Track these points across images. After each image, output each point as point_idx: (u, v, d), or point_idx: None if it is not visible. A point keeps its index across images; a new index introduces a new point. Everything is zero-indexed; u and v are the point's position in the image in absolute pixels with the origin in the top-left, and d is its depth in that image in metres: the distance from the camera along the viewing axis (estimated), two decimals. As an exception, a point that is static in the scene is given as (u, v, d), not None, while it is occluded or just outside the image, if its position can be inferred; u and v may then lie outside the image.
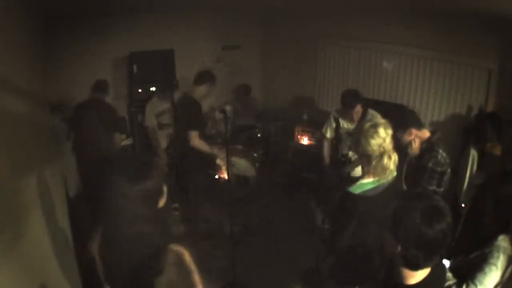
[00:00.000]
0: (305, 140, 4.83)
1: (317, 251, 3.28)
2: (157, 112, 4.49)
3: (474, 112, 3.71)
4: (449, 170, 2.59)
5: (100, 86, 4.02)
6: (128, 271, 1.42)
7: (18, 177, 1.83)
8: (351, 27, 4.66)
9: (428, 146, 2.60)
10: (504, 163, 2.97)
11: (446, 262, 1.87)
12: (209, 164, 3.62)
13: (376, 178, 2.08)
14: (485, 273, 1.67)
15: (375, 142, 2.05)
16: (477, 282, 1.67)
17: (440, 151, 2.54)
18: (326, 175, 3.94)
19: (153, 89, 4.78)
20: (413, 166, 2.67)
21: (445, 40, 3.79)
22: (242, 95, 5.76)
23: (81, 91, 4.18)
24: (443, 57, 3.91)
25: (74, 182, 4.16)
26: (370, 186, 2.08)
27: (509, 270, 1.68)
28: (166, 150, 4.36)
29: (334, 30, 4.91)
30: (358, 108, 3.45)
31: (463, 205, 3.06)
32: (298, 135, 4.88)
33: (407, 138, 2.61)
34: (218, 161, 3.64)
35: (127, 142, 4.85)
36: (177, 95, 4.26)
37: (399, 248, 1.21)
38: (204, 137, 3.51)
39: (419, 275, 1.26)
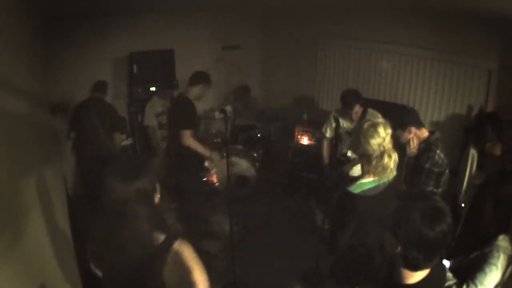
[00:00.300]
0: (305, 140, 4.83)
1: (317, 251, 3.28)
2: (157, 112, 4.50)
3: (474, 112, 3.71)
4: (447, 171, 2.59)
5: (100, 86, 4.03)
6: (128, 271, 1.42)
7: (18, 177, 1.82)
8: (351, 27, 4.66)
9: (426, 146, 2.60)
10: (504, 163, 2.97)
11: (446, 262, 1.87)
12: (199, 166, 3.59)
13: (377, 178, 2.08)
14: (485, 273, 1.67)
15: (375, 142, 2.05)
16: (477, 282, 1.67)
17: (438, 151, 2.54)
18: (326, 174, 3.95)
19: (153, 89, 4.78)
20: (411, 166, 2.67)
21: (445, 40, 3.79)
22: (242, 96, 5.76)
23: (81, 91, 4.19)
24: (443, 57, 3.91)
25: (74, 182, 4.16)
26: (370, 186, 2.08)
27: (509, 270, 1.68)
28: (166, 150, 4.36)
29: (334, 30, 4.91)
30: (358, 108, 3.46)
31: (463, 205, 3.06)
32: (298, 135, 4.88)
33: (406, 136, 2.61)
34: (207, 164, 3.61)
35: (127, 142, 4.85)
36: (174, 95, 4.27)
37: (399, 248, 1.21)
38: (197, 137, 3.49)
39: (419, 275, 1.26)
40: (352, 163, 3.16)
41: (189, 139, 3.32)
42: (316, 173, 4.56)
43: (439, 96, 4.04)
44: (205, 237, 3.96)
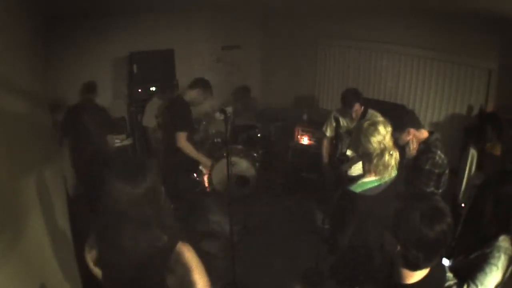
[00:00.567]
0: (305, 140, 4.83)
1: (317, 251, 3.28)
2: (157, 112, 4.50)
3: (474, 112, 3.71)
4: (447, 171, 2.58)
5: (90, 88, 3.99)
6: (129, 272, 1.42)
7: (18, 177, 1.82)
8: (351, 27, 4.66)
9: (425, 147, 2.59)
10: (504, 163, 2.97)
11: (446, 262, 1.87)
12: (192, 167, 3.58)
13: (378, 177, 2.08)
14: (486, 273, 1.67)
15: (375, 140, 2.06)
16: (477, 282, 1.67)
17: (438, 152, 2.53)
18: (325, 174, 3.95)
19: (153, 89, 4.78)
20: (411, 167, 2.66)
21: (445, 40, 3.79)
22: (242, 97, 5.76)
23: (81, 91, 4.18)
24: (443, 57, 3.91)
25: (74, 182, 4.16)
26: (371, 185, 2.08)
27: (509, 270, 1.68)
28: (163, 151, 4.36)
29: (334, 30, 4.91)
30: (357, 107, 3.47)
31: (463, 205, 3.06)
32: (298, 135, 4.88)
33: (405, 138, 2.61)
34: (201, 167, 3.59)
35: (127, 142, 4.85)
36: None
37: (399, 248, 1.21)
38: (192, 140, 3.47)
39: (418, 275, 1.26)
40: (351, 162, 3.16)
41: (183, 141, 3.30)
42: (316, 173, 4.56)
43: (439, 96, 4.04)
44: (205, 237, 3.97)
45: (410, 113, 2.83)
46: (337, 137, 3.58)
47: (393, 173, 2.13)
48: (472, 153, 3.10)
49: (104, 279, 1.50)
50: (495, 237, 1.71)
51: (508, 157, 2.97)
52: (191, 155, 3.40)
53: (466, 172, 3.12)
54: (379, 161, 2.05)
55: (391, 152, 2.07)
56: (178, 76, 4.96)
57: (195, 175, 3.82)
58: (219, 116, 3.24)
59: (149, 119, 4.52)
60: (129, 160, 1.52)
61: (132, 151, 4.88)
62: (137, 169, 1.41)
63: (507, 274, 1.68)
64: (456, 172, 3.18)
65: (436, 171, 2.51)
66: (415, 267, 1.24)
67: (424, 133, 2.62)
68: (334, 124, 3.68)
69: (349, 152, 3.34)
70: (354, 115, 3.50)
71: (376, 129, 2.07)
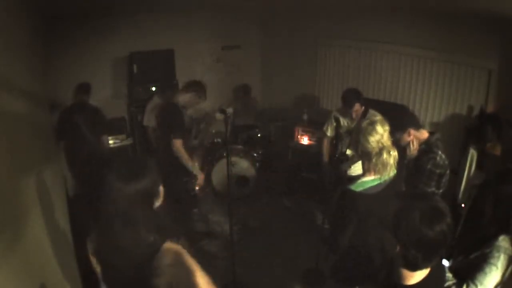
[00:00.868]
0: (305, 140, 4.83)
1: (317, 251, 3.28)
2: (157, 112, 4.50)
3: (475, 112, 3.71)
4: (448, 172, 2.58)
5: (83, 89, 3.96)
6: (127, 272, 1.42)
7: (18, 177, 1.83)
8: (351, 27, 4.66)
9: (426, 148, 2.59)
10: (504, 163, 2.97)
11: (446, 262, 1.87)
12: (185, 171, 3.42)
13: (378, 176, 2.09)
14: (486, 273, 1.67)
15: (373, 139, 2.07)
16: (477, 282, 1.67)
17: (439, 152, 2.53)
18: (325, 173, 3.96)
19: (153, 89, 4.78)
20: (411, 167, 2.66)
21: (445, 40, 3.79)
22: (242, 95, 5.76)
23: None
24: (443, 57, 3.90)
25: (74, 182, 4.16)
26: (371, 184, 2.09)
27: (509, 270, 1.68)
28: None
29: (334, 30, 4.91)
30: (358, 107, 3.47)
31: (463, 205, 3.06)
32: (298, 135, 4.88)
33: (406, 138, 2.61)
34: (196, 172, 3.45)
35: (127, 142, 4.85)
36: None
37: (398, 248, 1.21)
38: (185, 145, 3.36)
39: (418, 275, 1.26)
40: (351, 162, 3.16)
41: (179, 148, 3.23)
42: (316, 173, 4.56)
43: (439, 96, 4.04)
44: (205, 237, 3.97)
45: (409, 113, 2.83)
46: (337, 137, 3.59)
47: (392, 172, 2.14)
48: (472, 153, 3.10)
49: (103, 278, 1.51)
50: (495, 237, 1.71)
51: (508, 157, 2.97)
52: (185, 163, 3.31)
53: (466, 172, 3.12)
54: (378, 160, 2.06)
55: (389, 151, 2.08)
56: (178, 76, 4.96)
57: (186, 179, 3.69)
58: (219, 116, 3.23)
59: (149, 119, 4.52)
60: (128, 159, 1.52)
61: (132, 151, 4.88)
62: (133, 168, 1.41)
63: (507, 274, 1.68)
64: (456, 172, 3.18)
65: (437, 171, 2.51)
66: (414, 267, 1.24)
67: (424, 134, 2.62)
68: (334, 124, 3.69)
69: (349, 152, 3.35)
70: (354, 115, 3.51)
71: (374, 129, 2.09)
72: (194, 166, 3.48)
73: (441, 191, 2.59)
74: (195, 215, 4.23)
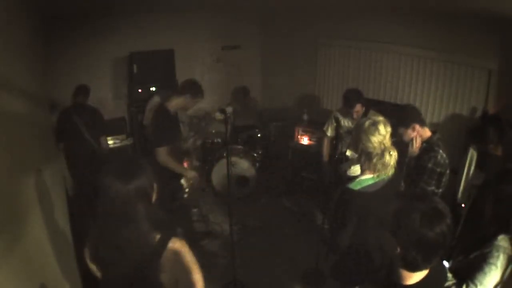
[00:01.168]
0: (305, 140, 4.83)
1: (317, 251, 3.28)
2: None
3: (475, 112, 3.71)
4: (448, 171, 2.59)
5: (81, 91, 3.97)
6: (129, 272, 1.42)
7: (18, 177, 1.83)
8: (351, 27, 4.65)
9: (428, 146, 2.60)
10: (505, 163, 2.97)
11: (446, 264, 1.87)
12: (173, 180, 3.23)
13: (376, 174, 2.09)
14: (485, 273, 1.67)
15: (376, 139, 2.07)
16: (477, 282, 1.67)
17: (440, 151, 2.54)
18: (325, 173, 3.96)
19: (153, 89, 4.78)
20: (412, 166, 2.67)
21: (445, 40, 3.78)
22: (241, 97, 5.76)
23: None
24: (443, 57, 3.90)
25: (74, 182, 4.16)
26: (369, 182, 2.09)
27: (508, 270, 1.68)
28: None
29: (334, 30, 4.90)
30: (359, 107, 3.48)
31: (463, 205, 3.06)
32: (298, 135, 4.88)
33: (410, 134, 2.62)
34: (183, 181, 3.24)
35: (127, 142, 4.86)
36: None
37: (398, 249, 1.21)
38: (177, 151, 3.19)
39: (418, 275, 1.26)
40: (350, 162, 3.16)
41: (162, 157, 2.99)
42: (316, 173, 4.56)
43: (439, 96, 4.04)
44: (205, 237, 3.97)
45: (415, 110, 2.83)
46: (337, 137, 3.59)
47: (391, 171, 2.14)
48: (472, 153, 3.10)
49: (103, 278, 1.51)
50: (494, 236, 1.71)
51: (508, 157, 2.97)
52: (173, 169, 3.10)
53: (465, 172, 3.13)
54: (379, 160, 2.06)
55: (390, 152, 2.08)
56: (178, 76, 4.96)
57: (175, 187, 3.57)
58: (219, 116, 3.18)
59: (149, 119, 4.52)
60: (121, 159, 1.53)
61: (132, 151, 4.88)
62: (128, 167, 1.42)
63: (506, 273, 1.68)
64: (456, 172, 3.18)
65: (438, 170, 2.51)
66: (414, 268, 1.24)
67: (427, 132, 2.63)
68: (334, 124, 3.69)
69: (348, 152, 3.35)
70: (355, 115, 3.51)
71: (376, 129, 2.08)
72: (183, 168, 3.27)
73: (441, 190, 2.59)
74: (195, 215, 4.23)
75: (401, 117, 2.66)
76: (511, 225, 1.70)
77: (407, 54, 4.24)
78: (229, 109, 3.06)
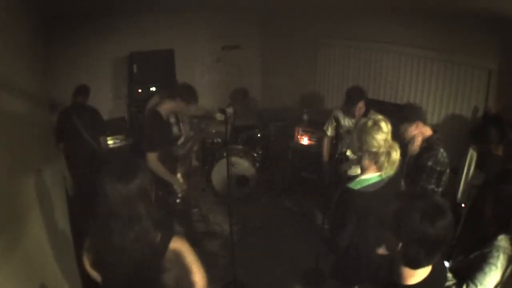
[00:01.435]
0: (305, 140, 4.83)
1: (317, 251, 3.28)
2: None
3: (476, 112, 3.72)
4: (448, 171, 2.59)
5: (81, 91, 3.97)
6: (131, 273, 1.42)
7: (18, 177, 1.83)
8: (351, 27, 4.65)
9: (428, 145, 2.60)
10: (505, 164, 2.97)
11: (446, 263, 1.87)
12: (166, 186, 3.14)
13: (377, 174, 2.08)
14: (485, 273, 1.67)
15: (380, 137, 2.05)
16: (477, 282, 1.67)
17: (441, 150, 2.55)
18: (325, 173, 3.96)
19: (153, 89, 4.78)
20: (412, 165, 2.67)
21: (445, 40, 3.78)
22: (240, 99, 5.75)
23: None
24: (443, 57, 3.90)
25: (74, 182, 4.17)
26: (370, 182, 2.08)
27: (508, 270, 1.68)
28: None
29: (334, 30, 4.91)
30: (361, 105, 3.47)
31: (463, 205, 3.07)
32: (298, 135, 4.88)
33: (412, 131, 2.62)
34: (176, 188, 3.17)
35: (127, 142, 4.85)
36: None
37: (400, 246, 1.21)
38: (168, 156, 3.12)
39: (419, 275, 1.26)
40: (350, 162, 3.16)
41: (152, 163, 2.89)
42: (316, 173, 4.56)
43: (439, 96, 4.04)
44: (205, 237, 3.97)
45: (419, 108, 2.84)
46: (337, 137, 3.58)
47: (392, 170, 2.14)
48: (471, 153, 3.10)
49: (103, 281, 1.50)
50: (494, 237, 1.71)
51: (509, 157, 2.97)
52: (163, 176, 2.98)
53: (465, 172, 3.13)
54: (386, 158, 2.05)
55: (396, 149, 2.08)
56: (178, 76, 4.96)
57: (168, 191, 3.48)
58: (219, 116, 3.15)
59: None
60: (121, 158, 1.52)
61: (132, 151, 4.88)
62: (128, 168, 1.42)
63: (506, 273, 1.68)
64: (456, 172, 3.18)
65: (438, 168, 2.52)
66: (416, 265, 1.23)
67: (428, 130, 2.64)
68: (334, 124, 3.69)
69: (348, 152, 3.35)
70: (357, 113, 3.50)
71: (379, 127, 2.07)
72: (173, 178, 3.15)
73: (440, 189, 2.59)
74: (195, 215, 4.23)
75: (405, 113, 2.66)
76: (511, 225, 1.71)
77: (407, 54, 4.24)
78: (230, 110, 3.05)
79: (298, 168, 4.84)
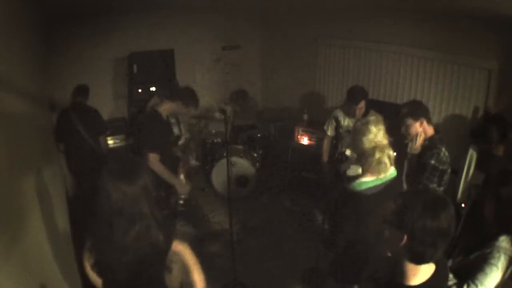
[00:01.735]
0: (305, 140, 4.83)
1: (317, 251, 3.28)
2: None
3: (477, 112, 3.71)
4: (449, 170, 2.60)
5: (81, 91, 3.96)
6: (132, 274, 1.42)
7: (18, 177, 1.83)
8: (351, 27, 4.65)
9: (430, 144, 2.62)
10: (506, 164, 2.97)
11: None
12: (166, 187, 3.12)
13: (376, 176, 2.09)
14: (486, 274, 1.67)
15: (365, 138, 2.11)
16: (477, 282, 1.67)
17: (443, 148, 2.56)
18: (325, 173, 3.96)
19: (153, 89, 4.78)
20: (413, 164, 2.68)
21: (445, 40, 3.78)
22: (239, 100, 5.75)
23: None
24: (443, 57, 3.90)
25: (74, 182, 4.16)
26: (370, 185, 2.09)
27: (509, 270, 1.68)
28: None
29: (334, 30, 4.91)
30: (362, 105, 3.47)
31: (463, 205, 3.07)
32: (298, 135, 4.88)
33: (417, 128, 2.63)
34: (178, 189, 3.14)
35: (127, 142, 4.85)
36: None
37: (404, 240, 1.20)
38: (170, 156, 3.12)
39: (423, 274, 1.25)
40: (349, 162, 3.16)
41: (154, 163, 2.88)
42: (316, 173, 4.56)
43: (439, 96, 4.03)
44: (205, 237, 3.97)
45: (424, 107, 2.85)
46: (337, 136, 3.59)
47: (391, 172, 2.14)
48: (471, 153, 3.11)
49: (105, 281, 1.50)
50: (495, 237, 1.71)
51: (509, 157, 2.97)
52: (165, 178, 2.97)
53: (464, 172, 3.13)
54: (371, 158, 2.09)
55: (382, 150, 2.10)
56: (178, 76, 4.96)
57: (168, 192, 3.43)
58: (219, 116, 3.16)
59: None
60: (121, 159, 1.52)
61: (132, 151, 4.88)
62: (132, 168, 1.42)
63: (507, 274, 1.68)
64: (456, 172, 3.18)
65: (440, 167, 2.53)
66: (420, 260, 1.22)
67: (431, 130, 2.65)
68: (334, 124, 3.69)
69: (348, 152, 3.35)
70: (358, 112, 3.50)
71: (367, 128, 2.12)
72: (176, 179, 3.13)
73: (442, 188, 2.60)
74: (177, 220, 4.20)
75: (412, 108, 2.67)
76: (511, 226, 1.70)
77: (407, 54, 4.23)
78: (229, 109, 3.05)
79: (298, 168, 4.84)
